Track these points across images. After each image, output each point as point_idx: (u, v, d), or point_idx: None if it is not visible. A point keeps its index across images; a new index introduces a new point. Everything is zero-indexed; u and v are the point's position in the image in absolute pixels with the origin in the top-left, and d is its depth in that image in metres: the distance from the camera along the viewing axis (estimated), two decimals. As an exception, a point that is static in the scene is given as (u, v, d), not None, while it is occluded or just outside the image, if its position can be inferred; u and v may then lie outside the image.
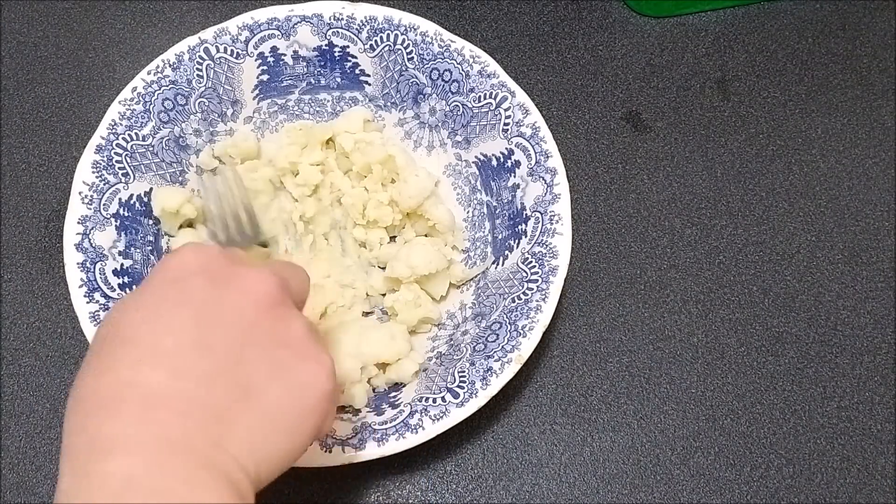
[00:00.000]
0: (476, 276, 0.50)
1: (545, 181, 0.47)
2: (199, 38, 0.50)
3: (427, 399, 0.43)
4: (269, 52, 0.51)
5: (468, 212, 0.52)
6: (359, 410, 0.45)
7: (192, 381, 0.30)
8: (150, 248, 0.48)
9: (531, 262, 0.46)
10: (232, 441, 0.30)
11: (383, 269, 0.50)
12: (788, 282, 0.53)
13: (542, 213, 0.47)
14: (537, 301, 0.44)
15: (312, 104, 0.53)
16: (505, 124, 0.49)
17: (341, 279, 0.49)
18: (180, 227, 0.50)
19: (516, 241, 0.48)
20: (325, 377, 0.34)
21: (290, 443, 0.33)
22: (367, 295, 0.50)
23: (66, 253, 0.45)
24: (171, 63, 0.49)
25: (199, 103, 0.50)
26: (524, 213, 0.48)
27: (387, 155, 0.50)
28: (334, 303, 0.48)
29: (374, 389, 0.47)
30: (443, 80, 0.50)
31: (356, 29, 0.51)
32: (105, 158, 0.47)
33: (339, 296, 0.48)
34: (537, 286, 0.45)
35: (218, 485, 0.29)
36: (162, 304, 0.32)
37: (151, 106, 0.49)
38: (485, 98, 0.49)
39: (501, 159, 0.49)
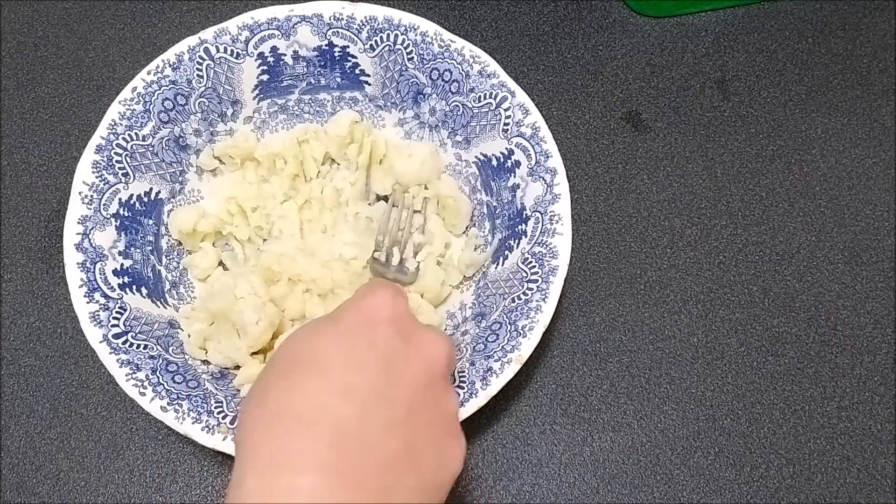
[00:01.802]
0: (476, 277, 0.50)
1: (545, 181, 0.47)
2: (199, 38, 0.50)
3: (427, 399, 0.43)
4: (269, 52, 0.51)
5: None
6: None
7: (377, 426, 0.32)
8: (150, 248, 0.48)
9: (531, 262, 0.46)
10: (395, 494, 0.32)
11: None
12: (788, 282, 0.53)
13: (542, 213, 0.47)
14: (537, 301, 0.44)
15: (312, 104, 0.53)
16: (505, 124, 0.49)
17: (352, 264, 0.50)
18: (201, 240, 0.50)
19: (516, 241, 0.48)
20: (461, 460, 0.36)
21: None
22: None
23: (66, 253, 0.45)
24: (171, 63, 0.49)
25: (199, 103, 0.50)
26: (524, 213, 0.48)
27: (370, 141, 0.51)
28: (340, 285, 0.49)
29: None
30: (443, 80, 0.50)
31: (356, 29, 0.51)
32: (105, 158, 0.47)
33: (348, 281, 0.49)
34: (537, 286, 0.45)
35: None
36: (354, 341, 0.35)
37: (151, 106, 0.49)
38: (485, 98, 0.49)
39: (501, 159, 0.49)
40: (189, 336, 0.47)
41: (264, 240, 0.51)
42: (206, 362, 0.47)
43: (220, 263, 0.51)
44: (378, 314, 0.36)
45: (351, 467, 0.31)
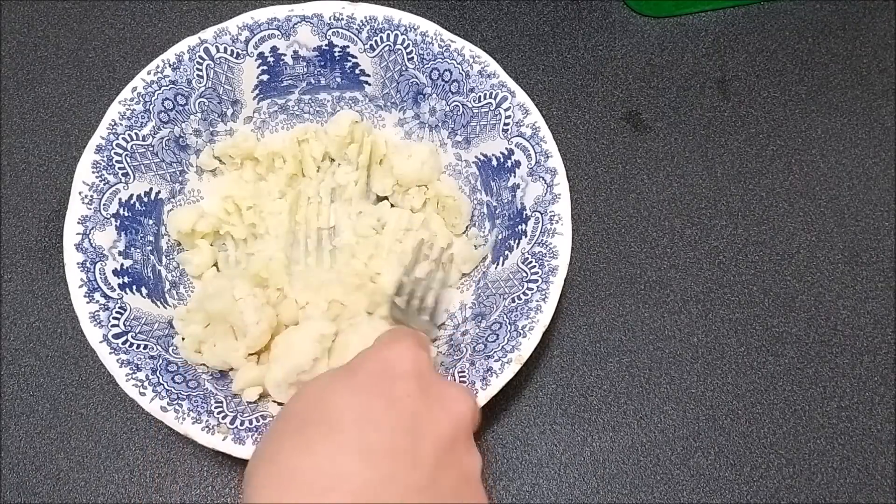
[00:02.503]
0: (476, 277, 0.50)
1: (545, 181, 0.47)
2: (199, 38, 0.50)
3: (427, 399, 0.43)
4: (269, 52, 0.51)
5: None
6: None
7: (400, 490, 0.30)
8: (150, 248, 0.48)
9: (531, 262, 0.46)
10: None
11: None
12: (788, 282, 0.53)
13: (542, 213, 0.47)
14: (537, 301, 0.44)
15: (312, 104, 0.53)
16: (505, 124, 0.49)
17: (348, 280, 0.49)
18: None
19: (516, 241, 0.48)
20: None
21: None
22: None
23: (66, 253, 0.45)
24: (171, 63, 0.49)
25: (199, 103, 0.50)
26: (524, 213, 0.48)
27: (370, 141, 0.51)
28: (339, 301, 0.48)
29: None
30: (443, 80, 0.50)
31: (356, 29, 0.51)
32: (105, 158, 0.47)
33: (343, 294, 0.48)
34: (537, 286, 0.45)
35: None
36: (372, 397, 0.32)
37: (151, 106, 0.49)
38: (485, 98, 0.49)
39: (501, 159, 0.49)
40: (183, 340, 0.46)
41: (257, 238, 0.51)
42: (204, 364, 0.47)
43: (216, 263, 0.51)
44: (398, 367, 0.34)
45: None
